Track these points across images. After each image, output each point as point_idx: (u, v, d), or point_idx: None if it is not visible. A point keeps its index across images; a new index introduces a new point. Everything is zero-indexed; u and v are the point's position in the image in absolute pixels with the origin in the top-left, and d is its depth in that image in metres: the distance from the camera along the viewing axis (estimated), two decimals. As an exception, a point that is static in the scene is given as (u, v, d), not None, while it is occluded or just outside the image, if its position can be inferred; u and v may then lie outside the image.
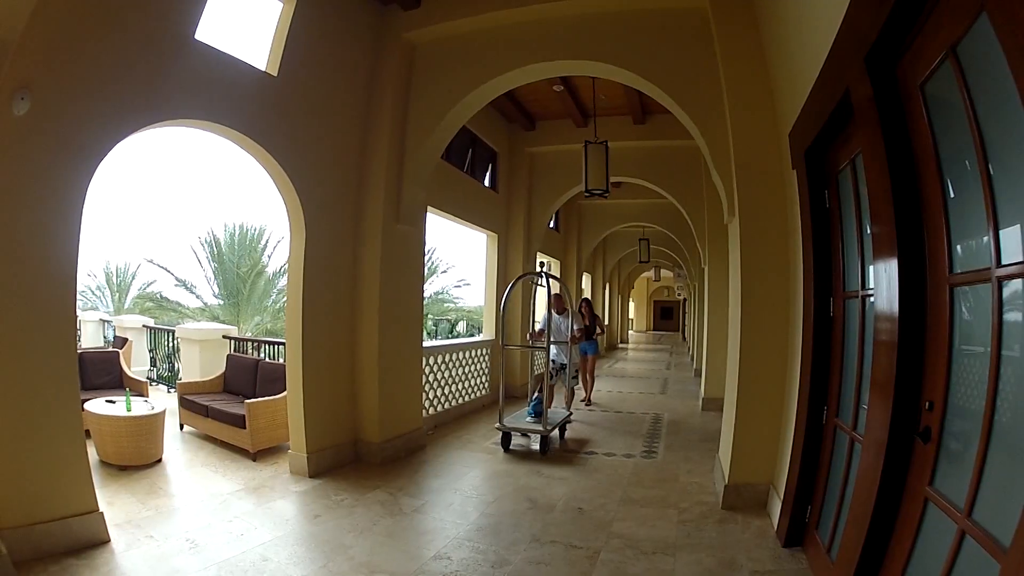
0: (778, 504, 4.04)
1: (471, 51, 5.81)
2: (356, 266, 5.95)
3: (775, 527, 4.03)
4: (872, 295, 2.61)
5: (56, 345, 3.68)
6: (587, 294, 18.65)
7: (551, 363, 7.43)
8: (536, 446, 6.53)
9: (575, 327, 7.44)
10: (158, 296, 18.75)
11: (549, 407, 7.20)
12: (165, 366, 10.02)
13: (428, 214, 6.87)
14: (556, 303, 7.66)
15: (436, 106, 5.95)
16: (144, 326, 10.80)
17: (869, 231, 2.59)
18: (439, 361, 8.08)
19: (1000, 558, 1.59)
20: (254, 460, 5.83)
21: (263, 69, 4.92)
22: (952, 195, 1.95)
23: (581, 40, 5.38)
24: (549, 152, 10.30)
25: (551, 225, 12.98)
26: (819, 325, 3.47)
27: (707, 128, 4.93)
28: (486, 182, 9.99)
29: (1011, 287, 1.69)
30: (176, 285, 18.00)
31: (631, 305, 35.21)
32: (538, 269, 7.07)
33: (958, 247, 1.95)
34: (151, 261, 21.87)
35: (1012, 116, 1.53)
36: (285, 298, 19.05)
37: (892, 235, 2.16)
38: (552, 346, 7.38)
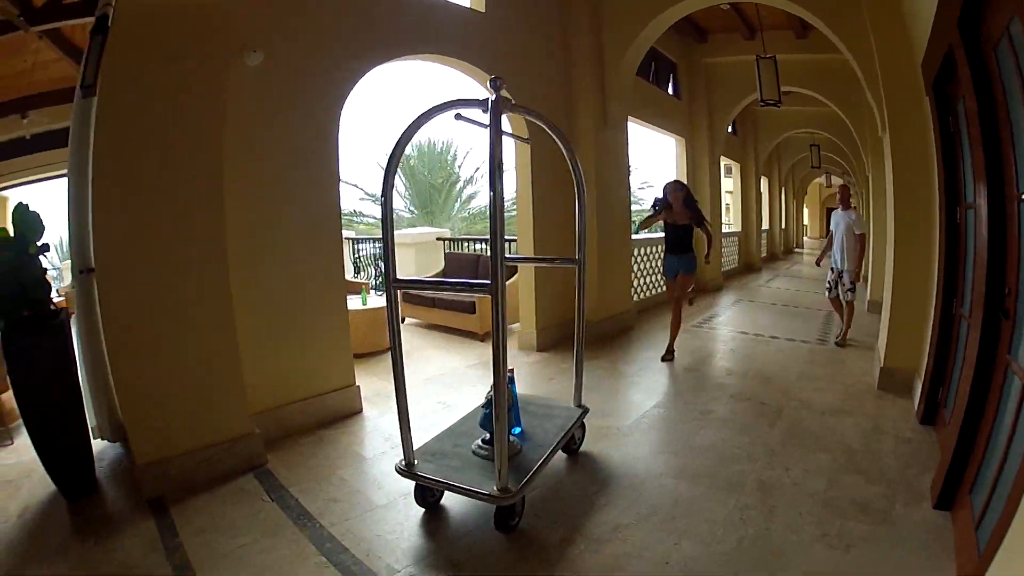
0: (919, 387, 4.55)
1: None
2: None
3: (916, 407, 4.56)
4: (979, 206, 3.14)
5: (329, 249, 4.29)
6: (765, 199, 17.87)
7: (834, 270, 6.99)
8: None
9: (680, 221, 5.81)
10: (351, 212, 19.58)
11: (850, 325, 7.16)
12: (372, 270, 11.20)
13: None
14: (842, 195, 6.69)
15: (625, 33, 6.76)
16: (347, 238, 11.92)
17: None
18: (642, 254, 8.92)
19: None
20: (482, 341, 6.79)
21: (470, 6, 5.67)
22: (1017, 135, 2.53)
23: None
24: (722, 63, 10.73)
25: (729, 130, 13.27)
26: (950, 230, 3.95)
27: (857, 52, 5.27)
28: (669, 91, 10.52)
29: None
30: (362, 199, 19.51)
31: (805, 211, 33.57)
32: (490, 92, 2.90)
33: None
34: (344, 181, 23.32)
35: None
36: (472, 205, 20.13)
37: (983, 161, 2.77)
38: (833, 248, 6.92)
